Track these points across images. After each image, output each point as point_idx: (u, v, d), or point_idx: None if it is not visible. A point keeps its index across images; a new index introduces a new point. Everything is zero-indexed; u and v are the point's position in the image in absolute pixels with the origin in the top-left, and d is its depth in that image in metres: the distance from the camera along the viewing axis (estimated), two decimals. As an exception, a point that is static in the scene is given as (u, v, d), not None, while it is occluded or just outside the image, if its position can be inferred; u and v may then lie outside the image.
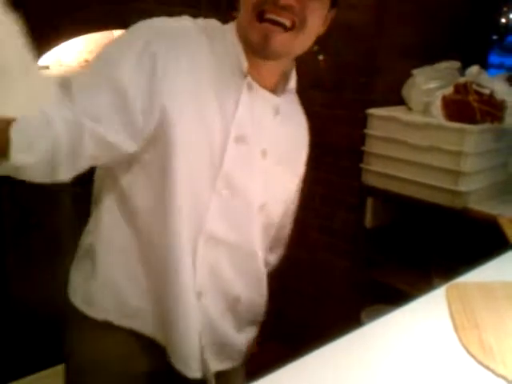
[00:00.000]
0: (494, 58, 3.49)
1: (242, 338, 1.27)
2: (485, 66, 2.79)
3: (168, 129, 1.00)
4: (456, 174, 2.03)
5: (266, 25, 0.98)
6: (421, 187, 2.13)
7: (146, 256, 1.11)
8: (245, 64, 1.06)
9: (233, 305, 1.21)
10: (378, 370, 0.94)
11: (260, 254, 1.22)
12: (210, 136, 1.05)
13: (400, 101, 2.40)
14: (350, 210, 2.43)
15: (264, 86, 1.10)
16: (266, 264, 1.31)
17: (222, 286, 1.17)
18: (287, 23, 0.98)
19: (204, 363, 1.16)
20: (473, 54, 2.82)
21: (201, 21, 1.10)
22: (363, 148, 2.32)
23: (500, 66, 3.82)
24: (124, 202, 1.10)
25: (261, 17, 0.98)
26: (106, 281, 1.14)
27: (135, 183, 1.08)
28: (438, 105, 2.13)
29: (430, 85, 2.32)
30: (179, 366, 1.13)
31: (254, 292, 1.25)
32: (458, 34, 2.75)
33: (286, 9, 0.97)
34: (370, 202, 2.34)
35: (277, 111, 1.13)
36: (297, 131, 1.24)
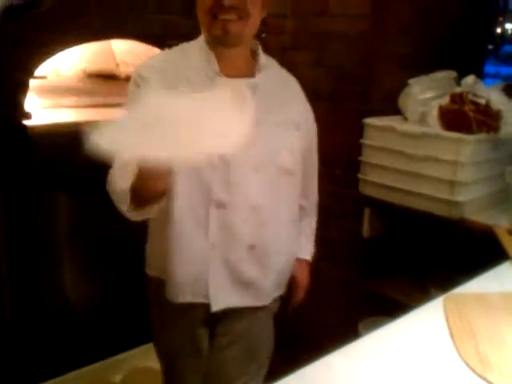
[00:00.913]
0: (489, 68, 3.51)
1: (267, 280, 1.53)
2: (481, 75, 2.80)
3: None
4: (452, 184, 2.03)
5: (221, 22, 1.32)
6: (417, 197, 2.13)
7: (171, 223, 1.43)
8: (215, 64, 1.39)
9: (249, 252, 1.47)
10: (376, 381, 0.94)
11: (266, 207, 1.46)
12: None
13: (396, 110, 2.41)
14: (347, 219, 2.43)
15: (237, 75, 1.41)
16: (302, 208, 1.66)
17: (234, 238, 1.44)
18: (235, 18, 1.32)
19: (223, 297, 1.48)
20: (469, 63, 2.83)
21: (182, 44, 1.50)
22: (360, 158, 2.32)
23: (496, 76, 3.84)
24: None
25: (215, 17, 1.32)
26: (151, 247, 1.57)
27: None
28: (435, 114, 2.14)
29: (426, 95, 2.32)
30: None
31: (268, 241, 1.49)
32: (453, 43, 2.77)
33: (231, 8, 1.31)
34: (367, 211, 2.34)
35: (254, 90, 1.38)
36: (283, 89, 1.53)
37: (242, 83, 1.38)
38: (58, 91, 2.65)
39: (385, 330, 1.12)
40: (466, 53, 2.83)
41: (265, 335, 1.63)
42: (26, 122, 1.99)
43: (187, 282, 1.47)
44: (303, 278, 1.74)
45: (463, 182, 2.02)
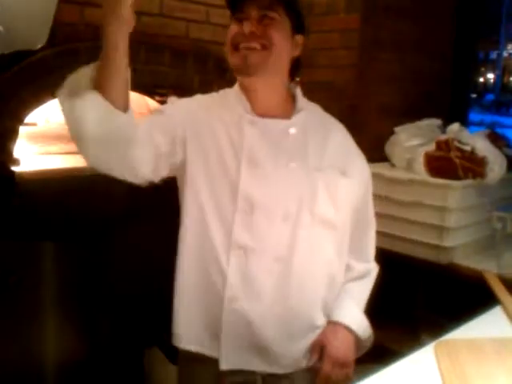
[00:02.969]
0: (473, 116, 3.59)
1: (292, 346, 1.35)
2: (465, 123, 2.86)
3: (188, 164, 1.33)
4: (440, 230, 2.04)
5: (243, 50, 1.27)
6: (406, 242, 2.13)
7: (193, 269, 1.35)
8: (246, 103, 1.34)
9: (271, 309, 1.31)
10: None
11: (295, 260, 1.32)
12: (225, 165, 1.32)
13: (383, 157, 2.44)
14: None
15: (272, 116, 1.35)
16: (351, 269, 1.46)
17: (255, 291, 1.31)
18: (257, 46, 1.27)
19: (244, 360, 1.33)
20: (453, 111, 2.90)
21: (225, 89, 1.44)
22: (348, 204, 2.33)
23: (480, 124, 3.92)
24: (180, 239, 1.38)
25: (236, 48, 1.28)
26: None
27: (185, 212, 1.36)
28: (421, 161, 2.17)
29: (412, 142, 2.36)
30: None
31: (295, 299, 1.33)
32: (438, 92, 2.84)
33: (252, 36, 1.26)
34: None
35: (286, 133, 1.34)
36: (326, 133, 1.41)
37: (277, 124, 1.35)
38: (47, 138, 2.66)
39: (377, 377, 1.10)
40: (451, 101, 2.90)
41: None
42: (14, 168, 1.99)
43: (195, 331, 1.36)
44: (334, 345, 1.37)
45: (451, 227, 2.03)
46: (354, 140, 1.48)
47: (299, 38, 1.35)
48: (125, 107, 1.18)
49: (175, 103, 1.39)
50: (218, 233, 1.31)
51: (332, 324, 1.39)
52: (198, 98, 1.42)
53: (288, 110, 1.38)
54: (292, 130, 1.35)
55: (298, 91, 1.42)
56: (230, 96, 1.39)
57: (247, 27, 1.26)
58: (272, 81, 1.33)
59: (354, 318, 1.41)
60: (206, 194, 1.32)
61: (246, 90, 1.35)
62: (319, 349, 1.38)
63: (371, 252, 1.51)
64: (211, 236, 1.32)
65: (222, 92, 1.44)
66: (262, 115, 1.35)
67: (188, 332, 1.37)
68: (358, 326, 1.41)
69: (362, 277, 1.48)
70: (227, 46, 1.31)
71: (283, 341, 1.34)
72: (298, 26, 1.34)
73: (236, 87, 1.39)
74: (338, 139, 1.43)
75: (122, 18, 1.11)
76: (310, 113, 1.41)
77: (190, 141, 1.32)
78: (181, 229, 1.37)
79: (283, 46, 1.30)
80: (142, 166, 1.25)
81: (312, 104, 1.46)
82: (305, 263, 1.33)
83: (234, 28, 1.30)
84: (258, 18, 1.27)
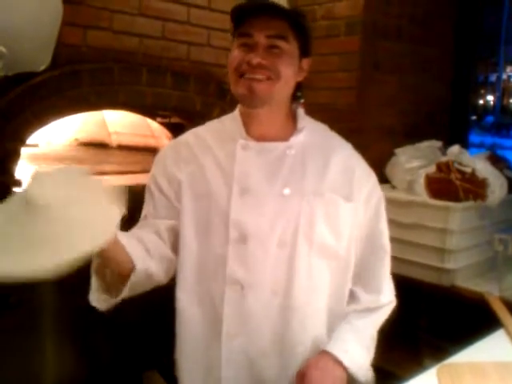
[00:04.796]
0: (474, 138, 3.60)
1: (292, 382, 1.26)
2: (465, 145, 2.87)
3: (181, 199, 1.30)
4: (442, 252, 2.04)
5: (248, 80, 1.21)
6: (407, 264, 2.12)
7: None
8: (241, 127, 1.29)
9: (271, 346, 1.26)
10: None
11: (293, 293, 1.25)
12: (215, 195, 1.27)
13: (384, 179, 2.44)
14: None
15: (271, 139, 1.29)
16: (357, 301, 1.33)
17: (253, 327, 1.25)
18: (262, 78, 1.21)
19: None
20: (453, 133, 2.91)
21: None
22: (349, 225, 2.33)
23: (480, 146, 3.93)
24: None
25: (241, 75, 1.22)
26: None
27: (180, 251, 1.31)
28: (422, 183, 2.17)
29: (412, 163, 2.36)
30: None
31: (287, 330, 1.26)
32: (438, 114, 2.85)
33: (259, 66, 1.20)
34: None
35: (283, 155, 1.28)
36: (328, 155, 1.32)
37: (273, 148, 1.29)
38: (48, 159, 2.67)
39: (378, 402, 1.09)
40: (451, 123, 2.91)
41: None
42: (15, 189, 1.99)
43: (196, 372, 1.31)
44: (314, 375, 1.20)
45: (452, 249, 2.02)
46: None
47: (305, 62, 1.29)
48: (139, 261, 1.19)
49: (152, 170, 1.37)
50: (213, 266, 1.26)
51: (320, 353, 1.26)
52: (186, 136, 1.38)
53: (287, 131, 1.31)
54: (289, 152, 1.28)
55: (300, 112, 1.35)
56: (227, 122, 1.35)
57: (255, 59, 1.19)
58: (276, 108, 1.28)
59: (349, 352, 1.24)
60: (199, 227, 1.28)
61: (246, 115, 1.30)
62: (300, 378, 1.22)
63: (384, 282, 1.38)
64: (207, 269, 1.27)
65: (221, 118, 1.40)
66: (260, 139, 1.29)
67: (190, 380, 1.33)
68: (351, 362, 1.23)
69: (369, 310, 1.34)
70: (231, 73, 1.25)
71: (282, 379, 1.27)
72: (305, 50, 1.28)
73: (236, 111, 1.34)
74: (342, 160, 1.32)
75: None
76: (310, 133, 1.33)
77: (183, 191, 1.30)
78: (178, 259, 1.31)
79: (290, 76, 1.25)
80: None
81: (317, 123, 1.39)
82: (304, 295, 1.26)
83: (238, 55, 1.22)
84: (266, 46, 1.21)
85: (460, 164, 2.16)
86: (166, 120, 2.73)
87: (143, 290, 1.26)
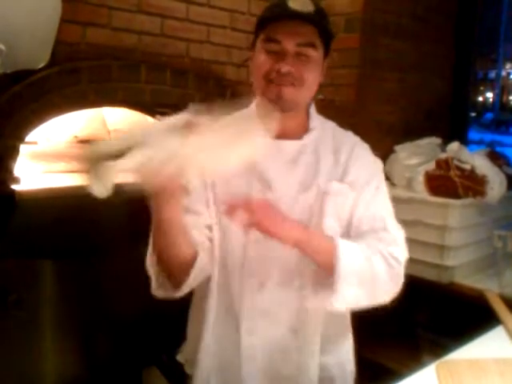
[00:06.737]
0: (473, 135, 3.59)
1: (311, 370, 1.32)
2: (465, 142, 2.87)
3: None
4: (441, 249, 2.04)
5: (277, 86, 1.24)
6: (406, 261, 2.12)
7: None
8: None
9: (291, 337, 1.30)
10: None
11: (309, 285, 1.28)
12: (236, 193, 1.27)
13: (383, 176, 2.44)
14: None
15: (286, 137, 1.31)
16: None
17: (271, 320, 1.29)
18: (288, 84, 1.23)
19: None
20: (453, 130, 2.91)
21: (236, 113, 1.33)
22: (348, 222, 2.33)
23: (480, 142, 3.92)
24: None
25: (271, 82, 1.24)
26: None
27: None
28: (421, 180, 2.17)
29: (412, 161, 2.37)
30: None
31: (313, 324, 1.31)
32: (438, 111, 2.85)
33: (288, 74, 1.22)
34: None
35: (298, 154, 1.32)
36: (338, 151, 1.36)
37: (287, 145, 1.32)
38: (48, 156, 2.66)
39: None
40: (450, 120, 2.91)
41: None
42: (14, 187, 1.99)
43: (214, 369, 1.34)
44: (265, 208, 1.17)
45: (451, 246, 2.02)
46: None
47: (326, 64, 1.33)
48: (191, 249, 1.20)
49: None
50: (232, 261, 1.30)
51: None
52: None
53: (301, 129, 1.35)
54: (304, 150, 1.32)
55: (313, 110, 1.39)
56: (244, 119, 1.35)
57: (285, 68, 1.22)
58: (300, 111, 1.33)
59: (347, 245, 1.24)
60: (220, 223, 1.30)
61: (264, 115, 1.27)
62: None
63: (392, 227, 1.42)
64: (227, 265, 1.30)
65: (236, 115, 1.36)
66: (276, 137, 1.23)
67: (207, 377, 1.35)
68: (343, 252, 1.22)
69: (381, 239, 1.37)
70: (258, 79, 1.27)
71: (302, 375, 1.32)
72: (327, 52, 1.32)
73: (251, 109, 1.35)
74: (350, 148, 1.38)
75: (179, 201, 1.12)
76: (322, 131, 1.38)
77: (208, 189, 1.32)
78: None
79: (314, 82, 1.29)
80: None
81: (326, 121, 1.43)
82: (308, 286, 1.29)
83: (266, 62, 1.25)
84: (295, 53, 1.23)
85: (459, 161, 2.16)
86: (165, 117, 2.73)
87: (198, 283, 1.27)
